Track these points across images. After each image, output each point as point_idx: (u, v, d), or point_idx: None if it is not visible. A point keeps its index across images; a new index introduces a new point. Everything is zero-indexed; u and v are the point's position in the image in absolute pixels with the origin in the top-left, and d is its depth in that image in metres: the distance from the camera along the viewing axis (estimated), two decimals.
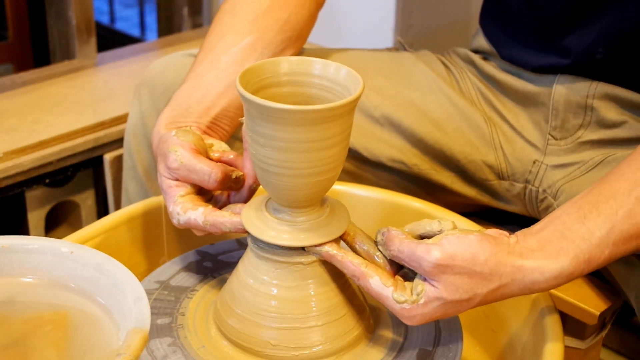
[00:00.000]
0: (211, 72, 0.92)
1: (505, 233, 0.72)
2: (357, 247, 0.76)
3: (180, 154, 0.81)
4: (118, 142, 1.47)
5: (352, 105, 0.70)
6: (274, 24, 0.96)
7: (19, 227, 1.48)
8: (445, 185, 1.07)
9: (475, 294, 0.70)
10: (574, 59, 0.96)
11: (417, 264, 0.70)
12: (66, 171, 1.46)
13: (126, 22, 3.11)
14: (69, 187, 1.51)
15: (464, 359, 0.81)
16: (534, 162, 1.04)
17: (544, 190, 1.03)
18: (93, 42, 1.78)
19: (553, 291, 0.94)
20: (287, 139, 0.69)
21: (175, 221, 0.81)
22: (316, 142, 0.69)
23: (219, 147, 0.87)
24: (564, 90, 0.99)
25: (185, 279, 0.86)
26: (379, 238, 0.75)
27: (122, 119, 1.48)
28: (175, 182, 0.82)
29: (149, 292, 0.83)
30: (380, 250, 0.75)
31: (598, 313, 0.94)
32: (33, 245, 0.69)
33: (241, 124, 0.81)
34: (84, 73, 1.70)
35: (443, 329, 0.80)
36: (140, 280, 0.67)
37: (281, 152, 0.70)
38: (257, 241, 0.76)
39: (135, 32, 2.90)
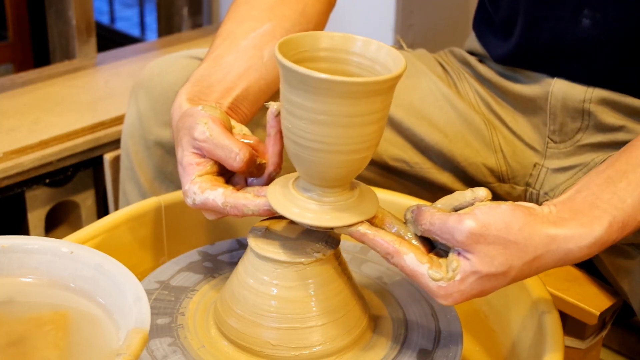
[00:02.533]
0: (231, 55, 0.91)
1: (536, 205, 0.70)
2: (386, 229, 0.74)
3: (210, 126, 0.77)
4: (118, 142, 1.47)
5: (396, 82, 0.68)
6: (290, 14, 0.96)
7: (19, 227, 1.48)
8: (446, 185, 1.07)
9: (510, 267, 0.67)
10: (559, 30, 0.96)
11: (450, 235, 0.67)
12: (66, 171, 1.46)
13: (126, 22, 3.12)
14: (69, 187, 1.51)
15: (464, 359, 0.81)
16: (535, 165, 1.04)
17: (545, 194, 1.03)
18: (93, 42, 1.78)
19: (553, 291, 0.95)
20: (328, 111, 0.66)
21: (189, 201, 0.78)
22: (357, 117, 0.67)
23: (240, 131, 0.83)
24: (560, 95, 0.99)
25: (185, 279, 0.86)
26: (409, 216, 0.73)
27: (122, 119, 1.48)
28: (196, 160, 0.78)
29: (149, 292, 0.83)
30: (411, 231, 0.73)
31: (598, 313, 0.94)
32: (33, 245, 0.69)
33: (265, 108, 0.78)
34: (84, 73, 1.70)
35: (443, 329, 0.80)
36: (140, 280, 0.67)
37: (319, 126, 0.67)
38: (257, 243, 0.76)
39: (135, 32, 2.90)
